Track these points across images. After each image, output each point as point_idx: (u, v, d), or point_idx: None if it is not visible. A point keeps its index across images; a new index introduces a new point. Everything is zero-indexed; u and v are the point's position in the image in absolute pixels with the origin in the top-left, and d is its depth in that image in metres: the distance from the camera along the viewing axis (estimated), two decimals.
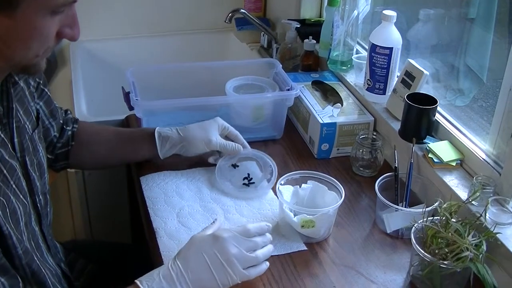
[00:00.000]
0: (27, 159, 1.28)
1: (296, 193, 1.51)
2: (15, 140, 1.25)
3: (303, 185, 1.53)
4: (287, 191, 1.50)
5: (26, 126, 1.31)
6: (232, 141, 1.69)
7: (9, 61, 1.13)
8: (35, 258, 1.27)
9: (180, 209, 1.55)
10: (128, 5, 2.82)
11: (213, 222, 1.35)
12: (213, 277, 1.21)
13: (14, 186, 1.20)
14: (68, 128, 1.60)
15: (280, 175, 1.57)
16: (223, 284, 1.22)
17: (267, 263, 1.31)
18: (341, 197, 1.45)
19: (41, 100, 1.47)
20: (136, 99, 1.70)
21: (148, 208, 1.55)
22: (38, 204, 1.33)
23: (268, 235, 1.34)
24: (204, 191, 1.62)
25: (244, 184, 1.65)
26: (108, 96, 2.28)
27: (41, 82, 1.46)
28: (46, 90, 1.49)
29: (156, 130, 1.64)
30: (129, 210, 2.30)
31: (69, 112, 1.65)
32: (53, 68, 2.66)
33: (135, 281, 1.19)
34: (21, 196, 1.22)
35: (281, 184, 1.50)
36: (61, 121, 1.58)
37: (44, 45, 1.12)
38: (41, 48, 1.12)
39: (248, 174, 1.68)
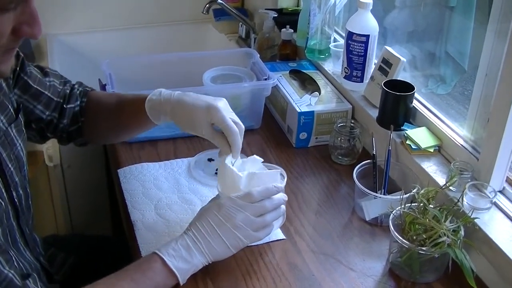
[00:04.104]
0: (4, 156, 1.26)
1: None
2: None
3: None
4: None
5: (0, 121, 1.29)
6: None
7: None
8: (11, 254, 1.25)
9: (158, 200, 1.54)
10: None
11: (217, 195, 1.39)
12: (224, 243, 1.26)
13: None
14: (70, 105, 1.53)
15: None
16: (235, 248, 1.28)
17: (278, 222, 1.38)
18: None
19: (18, 89, 1.42)
20: (113, 91, 1.69)
21: (126, 201, 1.54)
22: (16, 199, 1.31)
23: (278, 196, 1.34)
24: (182, 182, 1.61)
25: (216, 173, 1.64)
26: None
27: (18, 69, 1.41)
28: (22, 75, 1.43)
29: (145, 103, 1.43)
30: (109, 203, 2.30)
31: (76, 87, 1.57)
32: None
33: (155, 250, 1.24)
34: None
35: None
36: (56, 99, 1.50)
37: None
38: None
39: None
